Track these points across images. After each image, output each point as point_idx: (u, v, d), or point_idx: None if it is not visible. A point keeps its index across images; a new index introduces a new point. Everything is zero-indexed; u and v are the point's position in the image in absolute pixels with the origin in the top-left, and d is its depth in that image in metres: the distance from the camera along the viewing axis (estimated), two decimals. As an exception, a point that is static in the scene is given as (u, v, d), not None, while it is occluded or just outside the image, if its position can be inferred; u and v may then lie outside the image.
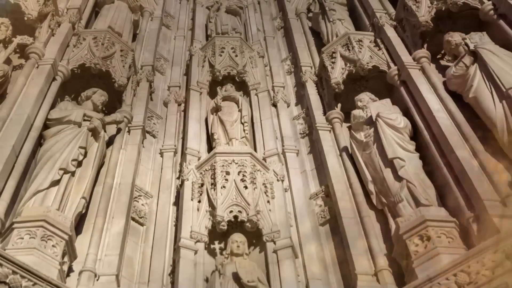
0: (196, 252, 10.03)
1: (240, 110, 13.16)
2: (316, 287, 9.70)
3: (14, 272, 7.61)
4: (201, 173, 11.40)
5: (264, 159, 12.03)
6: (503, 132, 9.48)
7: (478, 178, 9.08)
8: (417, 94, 11.33)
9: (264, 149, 12.44)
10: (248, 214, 10.39)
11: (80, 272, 9.24)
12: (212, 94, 14.12)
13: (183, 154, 12.23)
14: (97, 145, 11.13)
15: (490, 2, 11.53)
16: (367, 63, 12.80)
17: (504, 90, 9.62)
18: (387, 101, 11.94)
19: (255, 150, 12.31)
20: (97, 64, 12.76)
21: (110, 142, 11.83)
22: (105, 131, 11.57)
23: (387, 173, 10.24)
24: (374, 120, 10.97)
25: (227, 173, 11.08)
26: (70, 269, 9.33)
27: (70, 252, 9.21)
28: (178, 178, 11.86)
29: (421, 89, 11.22)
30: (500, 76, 9.85)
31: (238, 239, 10.23)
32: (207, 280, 9.70)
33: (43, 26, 12.56)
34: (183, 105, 14.31)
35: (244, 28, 17.64)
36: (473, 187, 8.97)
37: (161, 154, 12.79)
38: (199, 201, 10.89)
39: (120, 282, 9.53)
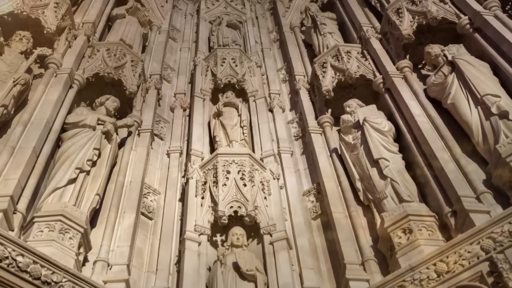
0: (199, 244, 10.03)
1: (239, 115, 13.16)
2: (309, 275, 9.70)
3: (34, 262, 7.60)
4: (204, 172, 11.41)
5: (262, 159, 12.04)
6: (478, 135, 9.49)
7: (455, 176, 9.09)
8: (400, 100, 11.35)
9: (261, 150, 12.44)
10: (247, 209, 10.41)
11: (95, 262, 9.25)
12: (214, 100, 14.14)
13: (188, 155, 12.22)
14: (110, 147, 11.11)
15: (467, 17, 11.54)
16: (355, 72, 12.80)
17: (479, 97, 9.63)
18: (373, 106, 11.97)
19: (253, 151, 12.32)
20: (110, 73, 12.78)
21: (121, 144, 11.81)
22: (117, 134, 11.56)
23: (373, 172, 10.25)
24: (361, 124, 10.98)
25: (228, 172, 11.09)
26: (86, 259, 9.31)
27: (85, 243, 9.20)
28: (183, 176, 11.84)
29: (404, 96, 11.23)
30: (475, 84, 9.87)
31: (237, 232, 10.26)
32: (209, 269, 9.72)
33: (61, 39, 12.58)
34: (188, 110, 14.31)
35: (243, 41, 17.62)
36: (451, 184, 8.99)
37: (168, 155, 12.79)
38: (203, 198, 10.90)
39: (130, 271, 9.52)
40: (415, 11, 12.50)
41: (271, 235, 10.16)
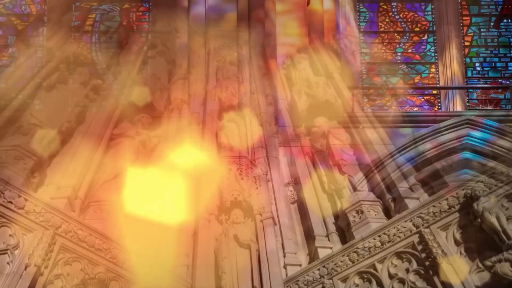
0: (210, 221, 10.03)
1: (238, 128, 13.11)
2: (288, 244, 9.72)
3: (90, 234, 7.70)
4: (213, 169, 11.40)
5: (254, 160, 12.00)
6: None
7: (394, 173, 9.18)
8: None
9: (254, 154, 12.39)
10: (244, 196, 10.40)
11: (134, 236, 9.28)
12: (220, 118, 14.06)
13: (202, 157, 12.20)
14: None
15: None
16: (322, 97, 12.83)
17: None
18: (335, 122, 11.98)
19: (248, 154, 12.25)
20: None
21: (153, 149, 11.78)
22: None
23: (335, 169, 10.30)
24: (326, 134, 11.02)
25: (230, 169, 11.06)
26: (127, 233, 9.32)
27: (127, 222, 9.22)
28: (199, 173, 11.82)
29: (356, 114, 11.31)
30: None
31: (237, 213, 10.14)
32: (216, 240, 9.71)
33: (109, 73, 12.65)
34: (201, 125, 14.23)
35: (241, 74, 17.52)
36: (391, 178, 9.08)
37: (187, 157, 12.74)
38: (212, 188, 10.91)
39: (161, 243, 9.53)
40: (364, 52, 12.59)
41: (261, 215, 10.11)
